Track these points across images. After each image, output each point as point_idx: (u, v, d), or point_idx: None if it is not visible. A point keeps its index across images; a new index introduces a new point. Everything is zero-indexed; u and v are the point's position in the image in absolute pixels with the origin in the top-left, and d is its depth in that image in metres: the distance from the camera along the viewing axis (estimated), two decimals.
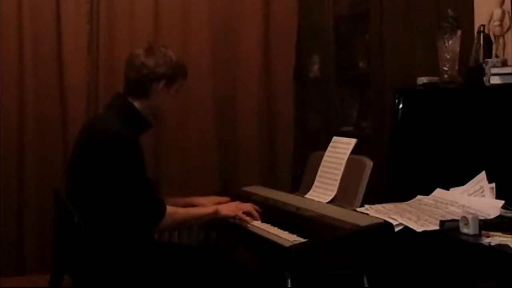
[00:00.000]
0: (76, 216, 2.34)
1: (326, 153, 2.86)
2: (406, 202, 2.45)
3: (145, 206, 2.44)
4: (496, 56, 2.64)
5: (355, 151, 2.74)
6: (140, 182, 2.44)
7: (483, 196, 2.28)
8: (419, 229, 2.09)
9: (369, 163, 2.61)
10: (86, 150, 2.50)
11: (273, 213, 2.62)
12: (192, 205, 2.79)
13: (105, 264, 2.43)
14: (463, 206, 2.26)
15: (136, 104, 2.57)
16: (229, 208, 2.65)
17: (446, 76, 2.68)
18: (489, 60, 2.54)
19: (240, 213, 2.59)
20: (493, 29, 2.69)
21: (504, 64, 2.52)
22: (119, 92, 2.66)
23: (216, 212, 2.61)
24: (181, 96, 2.82)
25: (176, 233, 3.36)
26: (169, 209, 2.49)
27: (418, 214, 2.24)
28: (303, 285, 2.25)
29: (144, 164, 2.49)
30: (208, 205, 2.76)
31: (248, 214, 2.60)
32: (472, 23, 2.76)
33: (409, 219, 2.19)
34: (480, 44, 2.64)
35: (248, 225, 2.54)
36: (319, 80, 3.67)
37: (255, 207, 2.64)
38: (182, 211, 2.60)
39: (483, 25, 2.69)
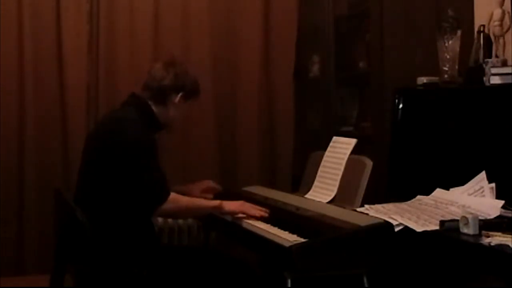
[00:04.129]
0: (79, 214, 2.34)
1: (326, 153, 2.86)
2: (406, 202, 2.45)
3: (150, 186, 2.47)
4: (496, 56, 2.64)
5: (355, 151, 2.74)
6: (150, 170, 2.49)
7: (483, 196, 2.28)
8: (419, 229, 2.09)
9: (369, 163, 2.61)
10: (106, 149, 2.52)
11: (273, 213, 2.62)
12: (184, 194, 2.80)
13: (108, 263, 2.43)
14: (463, 206, 2.26)
15: (153, 108, 2.65)
16: (234, 205, 2.65)
17: (446, 76, 2.68)
18: (489, 60, 2.54)
19: (243, 211, 2.60)
20: (493, 29, 2.69)
21: (504, 64, 2.52)
22: (135, 92, 2.70)
23: (220, 207, 2.62)
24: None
25: (176, 233, 3.37)
26: (173, 195, 2.51)
27: (418, 214, 2.24)
28: (303, 285, 2.25)
29: (158, 161, 2.55)
30: (195, 193, 2.82)
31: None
32: (472, 23, 2.76)
33: (409, 219, 2.19)
34: (480, 44, 2.64)
35: (248, 225, 2.54)
36: (319, 80, 3.67)
37: (263, 211, 2.62)
38: (186, 199, 2.62)
39: (483, 25, 2.69)
